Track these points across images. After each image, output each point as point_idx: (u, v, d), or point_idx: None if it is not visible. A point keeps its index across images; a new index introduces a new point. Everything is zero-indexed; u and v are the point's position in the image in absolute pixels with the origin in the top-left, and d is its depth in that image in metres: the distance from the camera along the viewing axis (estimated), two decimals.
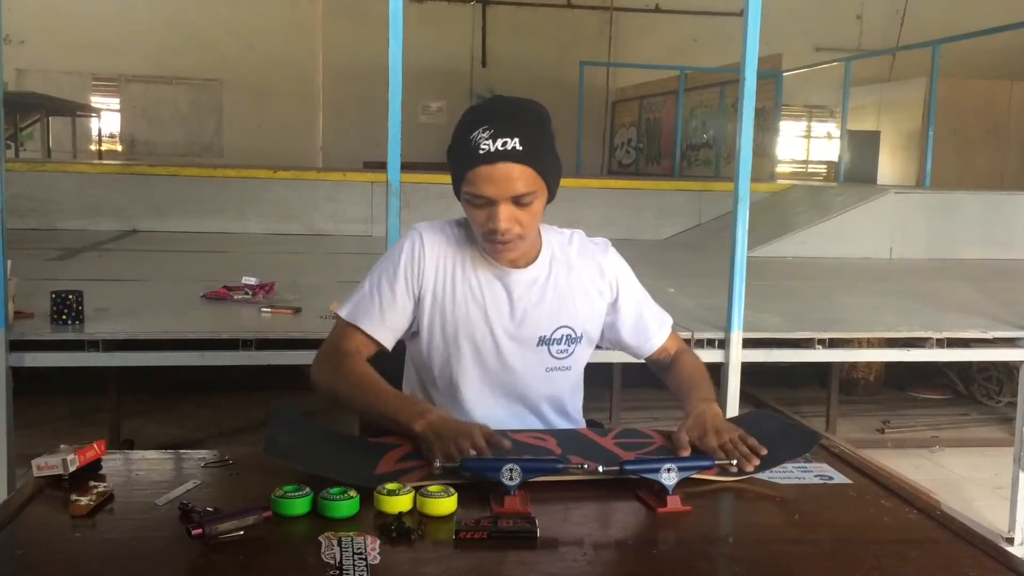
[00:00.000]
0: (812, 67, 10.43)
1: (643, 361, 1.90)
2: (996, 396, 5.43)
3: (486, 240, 1.62)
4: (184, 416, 4.74)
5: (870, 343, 3.77)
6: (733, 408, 3.14)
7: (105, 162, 9.78)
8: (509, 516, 1.26)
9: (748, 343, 3.24)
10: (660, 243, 7.24)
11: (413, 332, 1.74)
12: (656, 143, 11.51)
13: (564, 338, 1.72)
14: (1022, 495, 3.39)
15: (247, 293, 3.65)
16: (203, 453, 1.50)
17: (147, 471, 1.46)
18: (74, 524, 1.23)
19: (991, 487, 4.04)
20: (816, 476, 1.50)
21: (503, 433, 1.46)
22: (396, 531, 1.20)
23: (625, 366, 4.34)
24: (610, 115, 12.92)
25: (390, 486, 1.30)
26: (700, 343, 3.20)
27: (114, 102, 12.73)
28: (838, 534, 1.29)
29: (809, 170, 13.89)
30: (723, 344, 3.21)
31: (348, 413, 1.64)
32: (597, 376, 1.87)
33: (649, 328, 1.83)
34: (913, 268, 5.91)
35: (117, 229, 6.58)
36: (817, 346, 3.38)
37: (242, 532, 1.17)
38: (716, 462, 1.46)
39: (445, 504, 1.27)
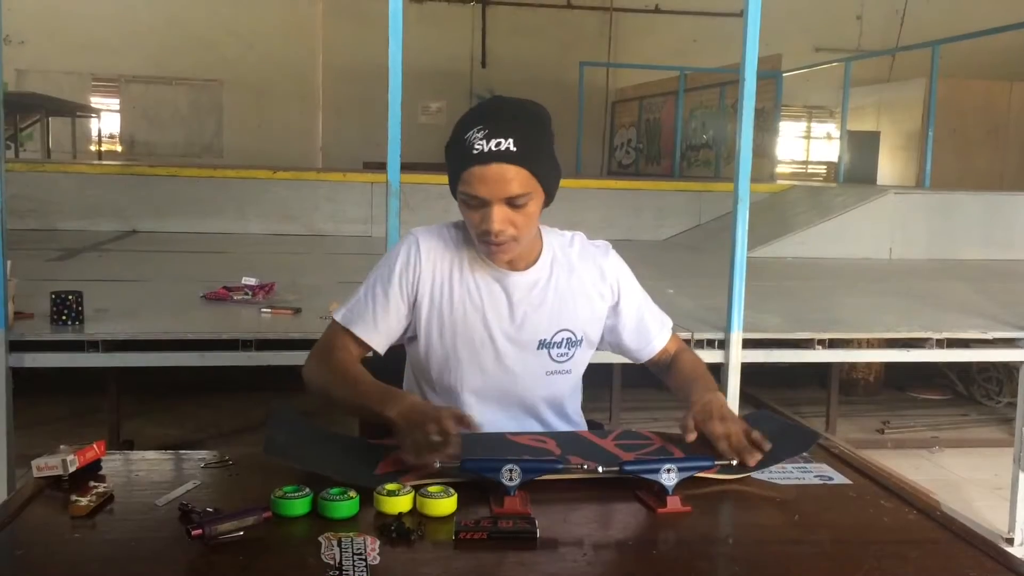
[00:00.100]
0: (812, 67, 10.43)
1: (643, 364, 1.90)
2: (996, 397, 5.43)
3: (481, 241, 1.62)
4: (184, 417, 4.74)
5: (870, 343, 3.77)
6: (733, 409, 3.13)
7: (105, 163, 9.78)
8: (509, 517, 1.26)
9: (748, 343, 3.24)
10: (660, 243, 7.24)
11: (411, 336, 1.74)
12: (656, 143, 11.51)
13: (564, 341, 1.72)
14: (1022, 496, 3.39)
15: (247, 293, 3.65)
16: (203, 454, 1.50)
17: (147, 472, 1.46)
18: (74, 525, 1.23)
19: (991, 487, 4.04)
20: (816, 477, 1.50)
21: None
22: (396, 531, 1.20)
23: (625, 367, 4.34)
24: (610, 115, 12.93)
25: (390, 486, 1.30)
26: (700, 343, 3.20)
27: (114, 102, 12.73)
28: (838, 535, 1.29)
29: (809, 170, 13.89)
30: (723, 344, 3.21)
31: (336, 410, 1.64)
32: (597, 376, 1.87)
33: (650, 331, 1.83)
34: (913, 268, 5.92)
35: (117, 229, 6.58)
36: (817, 347, 3.38)
37: (242, 533, 1.16)
38: (716, 462, 1.46)
39: (445, 504, 1.27)
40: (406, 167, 3.27)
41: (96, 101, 12.46)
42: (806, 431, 1.72)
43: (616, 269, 1.78)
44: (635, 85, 12.27)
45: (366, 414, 1.52)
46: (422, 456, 1.36)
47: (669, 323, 1.86)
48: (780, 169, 11.62)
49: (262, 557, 1.14)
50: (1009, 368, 4.91)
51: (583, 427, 1.80)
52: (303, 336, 3.02)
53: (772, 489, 1.43)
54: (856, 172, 9.77)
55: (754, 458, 1.47)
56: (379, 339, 1.70)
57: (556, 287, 1.71)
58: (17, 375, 2.91)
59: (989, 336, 3.48)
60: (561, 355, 1.72)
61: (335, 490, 1.28)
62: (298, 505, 1.26)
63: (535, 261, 1.71)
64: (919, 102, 9.93)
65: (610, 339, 1.83)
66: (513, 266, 1.69)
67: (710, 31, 12.49)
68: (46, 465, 1.35)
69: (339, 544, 1.15)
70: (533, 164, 1.56)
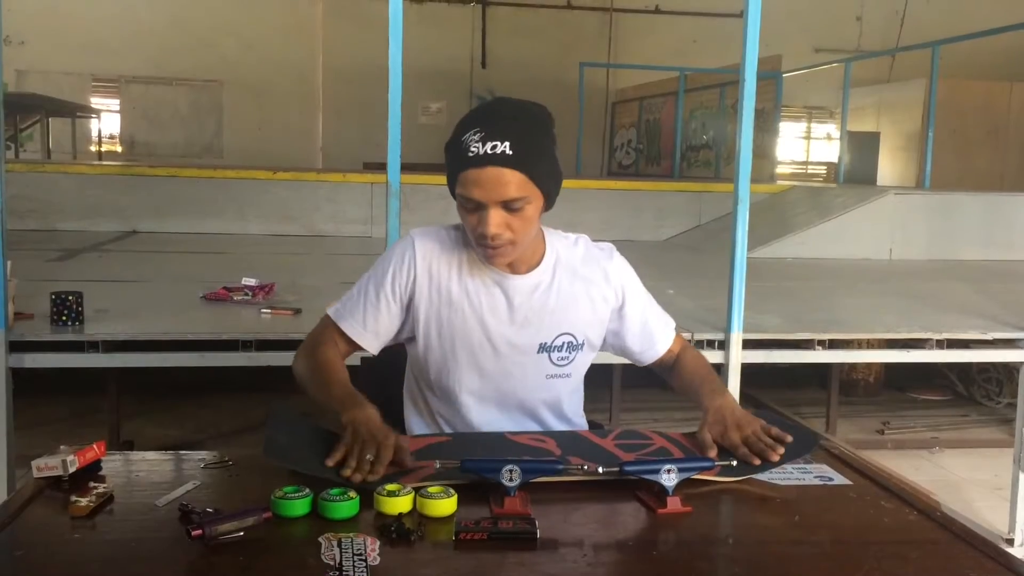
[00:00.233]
0: (812, 68, 10.44)
1: (647, 366, 1.89)
2: (996, 397, 5.43)
3: (478, 244, 1.60)
4: (184, 417, 4.74)
5: (870, 344, 3.77)
6: None
7: (105, 163, 9.79)
8: (509, 517, 1.26)
9: (748, 344, 3.24)
10: (660, 244, 7.24)
11: (409, 337, 1.74)
12: (656, 144, 11.51)
13: (565, 345, 1.71)
14: (1022, 496, 3.39)
15: (247, 294, 3.65)
16: (203, 454, 1.50)
17: (147, 472, 1.46)
18: (74, 525, 1.23)
19: (991, 488, 4.04)
20: (816, 477, 1.50)
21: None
22: (396, 532, 1.20)
23: (625, 367, 4.34)
24: (610, 116, 12.92)
25: (390, 487, 1.30)
26: (700, 344, 3.20)
27: (114, 103, 12.73)
28: (838, 535, 1.29)
29: (809, 171, 13.88)
30: (723, 345, 3.21)
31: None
32: (597, 377, 1.87)
33: (654, 334, 1.82)
34: (913, 269, 5.92)
35: (117, 230, 6.58)
36: (817, 347, 3.38)
37: (242, 533, 1.17)
38: (717, 463, 1.46)
39: (445, 505, 1.27)
40: (406, 168, 3.27)
41: (96, 102, 12.46)
42: (807, 433, 1.72)
43: (621, 272, 1.77)
44: (635, 86, 12.27)
45: (331, 416, 1.53)
46: (348, 465, 1.36)
47: (672, 324, 1.86)
48: (780, 170, 11.62)
49: (262, 557, 1.14)
50: (1009, 369, 4.91)
51: (584, 428, 1.80)
52: (303, 337, 2.99)
53: (772, 490, 1.43)
54: (856, 173, 9.77)
55: (777, 453, 1.48)
56: (368, 338, 1.70)
57: (558, 290, 1.70)
58: (17, 375, 2.91)
59: (989, 337, 3.48)
60: (562, 359, 1.71)
61: (335, 491, 1.28)
62: (298, 506, 1.26)
63: (537, 264, 1.70)
64: (919, 103, 9.93)
65: (613, 342, 1.82)
66: (514, 269, 1.68)
67: (710, 31, 12.48)
68: (46, 465, 1.35)
69: (339, 544, 1.15)
70: (530, 168, 1.54)
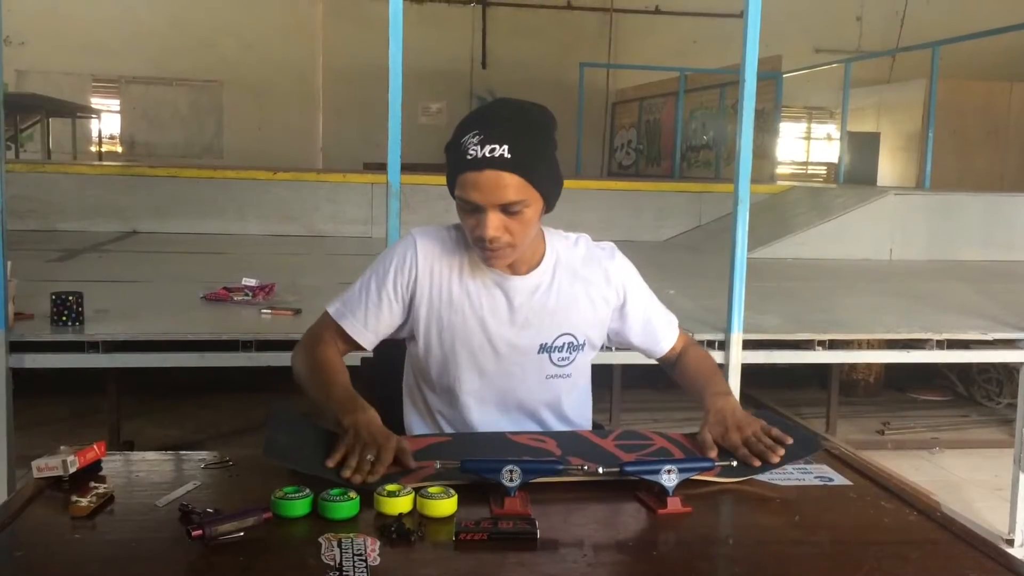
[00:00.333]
0: (812, 68, 10.43)
1: (655, 361, 1.90)
2: (996, 398, 5.43)
3: (476, 246, 1.60)
4: (184, 417, 4.74)
5: (870, 344, 3.77)
6: None
7: (105, 163, 9.79)
8: (509, 517, 1.26)
9: (748, 344, 3.24)
10: (660, 244, 7.24)
11: (410, 337, 1.74)
12: (656, 144, 11.51)
13: (566, 345, 1.71)
14: (1022, 496, 3.39)
15: (247, 294, 3.65)
16: (203, 454, 1.50)
17: (147, 472, 1.46)
18: (74, 525, 1.23)
19: (991, 488, 4.04)
20: (816, 477, 1.50)
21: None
22: (396, 532, 1.20)
23: (625, 367, 4.35)
24: (610, 116, 12.92)
25: (390, 487, 1.30)
26: (700, 344, 3.19)
27: (114, 103, 12.73)
28: (838, 535, 1.29)
29: (809, 171, 13.89)
30: (723, 345, 3.21)
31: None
32: (597, 377, 1.87)
33: (658, 332, 1.83)
34: (913, 269, 5.92)
35: (117, 230, 6.58)
36: (817, 347, 3.38)
37: (242, 533, 1.17)
38: (717, 463, 1.46)
39: (445, 505, 1.28)
40: (406, 168, 3.27)
41: (96, 102, 12.45)
42: (809, 435, 1.72)
43: (622, 271, 1.77)
44: (635, 86, 12.27)
45: (330, 417, 1.52)
46: (348, 466, 1.36)
47: (676, 322, 1.86)
48: (780, 170, 11.62)
49: (262, 558, 1.14)
50: (1009, 369, 4.91)
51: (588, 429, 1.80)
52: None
53: (772, 490, 1.43)
54: (856, 173, 9.76)
55: (777, 455, 1.48)
56: (368, 337, 1.70)
57: (559, 291, 1.70)
58: (17, 376, 2.91)
59: (989, 337, 3.48)
60: (562, 359, 1.71)
61: (335, 491, 1.28)
62: (298, 506, 1.26)
63: (538, 264, 1.70)
64: (919, 103, 9.93)
65: (617, 341, 1.83)
66: (514, 269, 1.68)
67: (710, 32, 12.48)
68: (46, 466, 1.35)
69: (339, 545, 1.15)
70: (529, 172, 1.54)
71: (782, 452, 1.49)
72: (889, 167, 10.61)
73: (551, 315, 1.69)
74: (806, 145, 14.26)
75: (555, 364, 1.71)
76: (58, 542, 1.20)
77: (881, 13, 13.24)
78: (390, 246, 1.77)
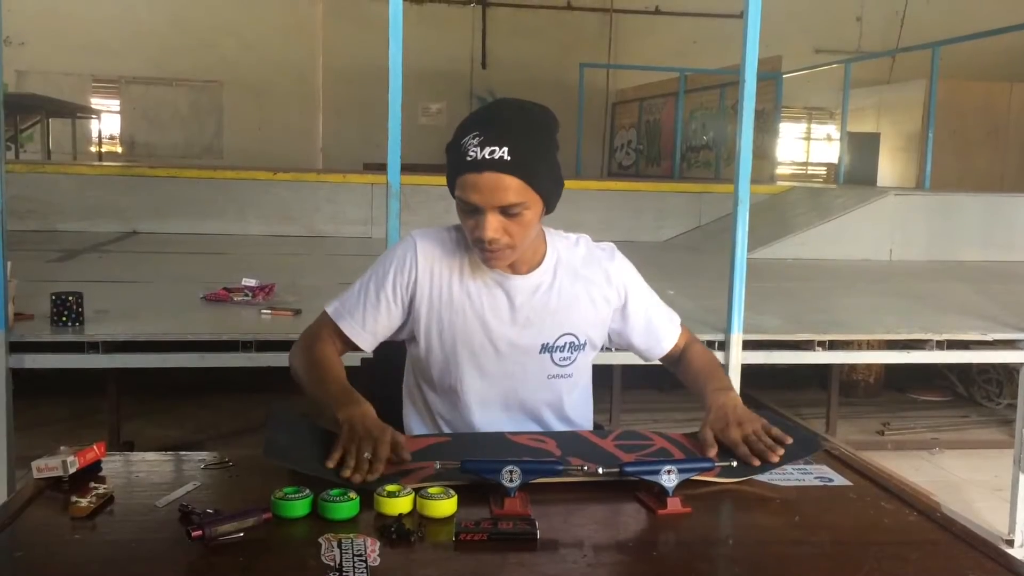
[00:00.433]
0: (812, 69, 10.44)
1: (655, 362, 1.89)
2: (996, 398, 5.43)
3: (475, 246, 1.61)
4: (184, 418, 4.74)
5: (870, 345, 3.77)
6: None
7: (105, 164, 9.78)
8: (509, 518, 1.26)
9: (748, 345, 3.24)
10: (660, 245, 7.24)
11: (410, 338, 1.74)
12: (656, 145, 11.51)
13: (567, 345, 1.71)
14: (1022, 497, 3.39)
15: (247, 295, 3.65)
16: (203, 455, 1.50)
17: (147, 473, 1.46)
18: (74, 526, 1.23)
19: (991, 489, 4.04)
20: (816, 478, 1.50)
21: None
22: (396, 533, 1.20)
23: (626, 368, 4.34)
24: (610, 117, 12.92)
25: (390, 488, 1.30)
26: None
27: (114, 104, 12.73)
28: (838, 536, 1.29)
29: (809, 172, 13.89)
30: (723, 346, 3.21)
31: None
32: (597, 378, 1.87)
33: (659, 331, 1.82)
34: (913, 270, 5.92)
35: (117, 231, 6.58)
36: (817, 348, 3.38)
37: (242, 534, 1.17)
38: (717, 464, 1.46)
39: (445, 506, 1.28)
40: (406, 168, 3.27)
41: (96, 102, 12.45)
42: (809, 435, 1.72)
43: (622, 272, 1.77)
44: (635, 86, 12.27)
45: (327, 413, 1.53)
46: (347, 466, 1.36)
47: (677, 319, 1.86)
48: (780, 170, 11.62)
49: (262, 558, 1.14)
50: (1009, 369, 4.91)
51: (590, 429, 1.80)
52: None
53: (772, 490, 1.43)
54: (856, 173, 9.76)
55: (777, 455, 1.48)
56: (366, 338, 1.70)
57: (560, 290, 1.70)
58: (17, 376, 2.91)
59: (989, 338, 3.48)
60: (563, 359, 1.72)
61: (335, 491, 1.28)
62: (298, 506, 1.26)
63: (538, 264, 1.70)
64: (919, 103, 9.93)
65: (618, 341, 1.83)
66: (515, 270, 1.68)
67: (710, 32, 12.48)
68: (46, 466, 1.35)
69: (339, 545, 1.15)
70: (528, 174, 1.54)
71: (782, 452, 1.49)
72: (889, 167, 10.61)
73: (552, 315, 1.69)
74: (806, 145, 14.27)
75: (557, 364, 1.71)
76: (58, 543, 1.20)
77: (881, 13, 13.24)
78: (390, 248, 1.77)
